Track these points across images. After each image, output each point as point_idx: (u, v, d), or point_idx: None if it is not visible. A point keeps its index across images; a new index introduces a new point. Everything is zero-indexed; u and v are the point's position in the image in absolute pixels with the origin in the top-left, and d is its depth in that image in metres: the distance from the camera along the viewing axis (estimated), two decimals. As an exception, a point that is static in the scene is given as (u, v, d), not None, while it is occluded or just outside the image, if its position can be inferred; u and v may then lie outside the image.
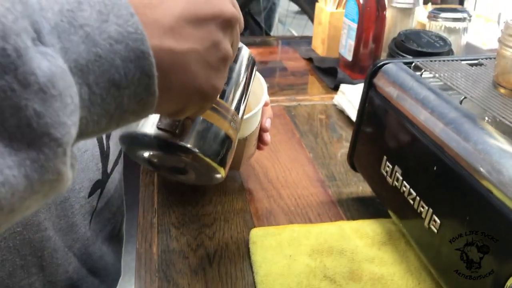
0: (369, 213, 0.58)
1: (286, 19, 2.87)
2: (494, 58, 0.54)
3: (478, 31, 1.01)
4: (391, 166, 0.49)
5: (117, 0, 0.24)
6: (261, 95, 0.56)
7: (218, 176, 0.39)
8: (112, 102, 0.24)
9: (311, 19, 1.46)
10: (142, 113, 0.26)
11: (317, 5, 1.09)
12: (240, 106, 0.40)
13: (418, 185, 0.45)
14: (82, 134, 0.24)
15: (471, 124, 0.40)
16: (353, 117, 0.79)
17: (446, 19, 0.87)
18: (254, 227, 0.55)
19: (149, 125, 0.35)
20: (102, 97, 0.23)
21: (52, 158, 0.20)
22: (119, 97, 0.24)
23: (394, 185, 0.48)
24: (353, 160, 0.59)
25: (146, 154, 0.38)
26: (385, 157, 0.50)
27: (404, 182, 0.46)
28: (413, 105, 0.47)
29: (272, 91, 0.93)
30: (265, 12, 2.31)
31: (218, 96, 0.37)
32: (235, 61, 0.41)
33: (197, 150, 0.35)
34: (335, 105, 0.86)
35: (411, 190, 0.45)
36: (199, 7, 0.28)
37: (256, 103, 0.55)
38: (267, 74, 1.02)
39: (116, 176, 0.60)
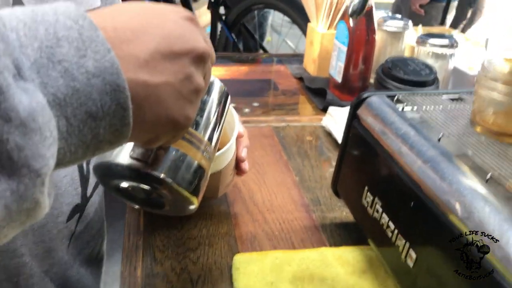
0: (351, 239, 0.59)
1: (281, 28, 2.90)
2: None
3: (466, 54, 1.03)
4: (371, 197, 0.50)
5: (94, 37, 0.25)
6: (233, 128, 0.57)
7: (192, 206, 0.40)
8: (88, 133, 0.25)
9: (304, 33, 1.48)
10: (116, 143, 0.28)
11: (309, 25, 1.11)
12: (213, 136, 0.41)
13: (396, 219, 0.46)
14: (60, 163, 0.25)
15: (448, 164, 0.42)
16: (340, 140, 0.81)
17: (434, 45, 0.89)
18: (238, 252, 0.56)
19: (122, 154, 0.36)
20: (79, 128, 0.25)
21: (31, 188, 0.22)
22: (95, 128, 0.25)
23: (374, 216, 0.50)
24: (337, 187, 0.60)
25: (119, 184, 0.39)
26: (366, 188, 0.51)
27: (384, 214, 0.48)
28: (393, 140, 0.48)
29: (263, 110, 0.95)
30: (256, 19, 2.33)
31: (193, 127, 0.39)
32: (208, 93, 0.42)
33: (169, 180, 0.36)
34: (323, 127, 0.88)
35: (390, 223, 0.46)
36: (173, 42, 0.30)
37: (229, 136, 0.57)
38: (259, 93, 1.03)
39: (96, 199, 0.60)
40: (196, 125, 0.39)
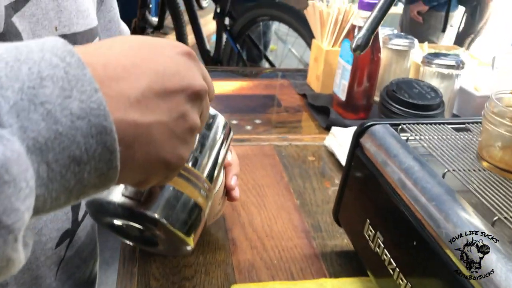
0: (352, 269, 0.58)
1: (287, 37, 2.89)
2: (480, 123, 0.54)
3: (472, 73, 1.01)
4: (373, 231, 0.49)
5: (81, 76, 0.24)
6: None
7: (187, 247, 0.38)
8: (72, 178, 0.24)
9: (309, 46, 1.46)
10: (103, 186, 0.26)
11: (314, 41, 1.10)
12: (213, 173, 0.40)
13: (398, 257, 0.44)
14: (39, 211, 0.24)
15: (453, 203, 0.40)
16: (343, 161, 0.79)
17: (440, 65, 0.87)
18: (235, 281, 0.55)
19: (115, 192, 0.34)
20: (61, 174, 0.23)
21: (1, 246, 0.20)
22: (79, 172, 0.24)
23: (375, 250, 0.48)
24: (338, 215, 0.59)
25: (112, 222, 0.37)
26: (368, 221, 0.50)
27: (386, 250, 0.46)
28: (397, 173, 0.46)
29: (265, 128, 0.93)
30: (260, 28, 2.32)
31: (190, 164, 0.37)
32: (210, 128, 0.41)
33: (163, 220, 0.34)
34: (326, 147, 0.86)
35: (392, 260, 0.45)
36: (167, 79, 0.29)
37: None
38: (262, 109, 1.02)
39: (88, 222, 0.59)
40: (195, 161, 0.38)
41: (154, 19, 2.90)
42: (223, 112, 0.97)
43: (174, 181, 0.35)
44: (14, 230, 0.21)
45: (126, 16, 2.59)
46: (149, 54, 0.29)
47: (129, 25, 2.83)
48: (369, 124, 0.53)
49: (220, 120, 0.42)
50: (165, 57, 0.30)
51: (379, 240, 0.47)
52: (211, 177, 0.39)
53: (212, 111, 0.42)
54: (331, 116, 0.95)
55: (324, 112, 0.99)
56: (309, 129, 0.95)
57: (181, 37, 2.55)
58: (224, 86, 1.12)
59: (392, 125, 0.53)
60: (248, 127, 0.93)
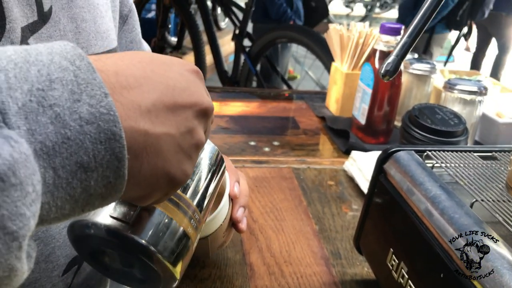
0: (373, 300, 0.56)
1: (304, 60, 2.91)
2: (508, 152, 0.53)
3: (495, 99, 1.00)
4: (397, 261, 0.47)
5: (91, 80, 0.23)
6: (223, 191, 0.52)
7: (172, 281, 0.35)
8: (78, 185, 0.23)
9: (328, 69, 1.46)
10: (109, 197, 0.25)
11: (333, 64, 1.10)
12: (203, 203, 0.38)
13: (424, 289, 0.43)
14: (43, 221, 0.23)
15: (482, 235, 0.39)
16: (363, 186, 0.78)
17: (462, 91, 0.86)
18: (253, 308, 0.53)
19: (102, 213, 0.33)
20: (68, 180, 0.22)
21: (4, 254, 0.19)
22: (85, 180, 0.23)
23: (399, 281, 0.46)
24: (359, 243, 0.57)
25: (93, 249, 0.35)
26: (391, 250, 0.48)
27: (410, 282, 0.44)
28: (423, 202, 0.45)
29: (282, 150, 0.93)
30: (279, 51, 2.33)
31: (181, 191, 0.36)
32: (204, 158, 0.40)
33: (151, 248, 0.32)
34: (345, 171, 0.85)
35: (417, 293, 0.43)
36: (177, 93, 0.29)
37: (218, 201, 0.52)
38: (280, 131, 1.02)
39: None
40: (185, 188, 0.36)
41: (173, 39, 2.95)
42: (240, 133, 0.98)
43: (164, 206, 0.34)
44: (18, 237, 0.20)
45: (145, 35, 2.62)
46: (159, 68, 0.29)
47: (148, 43, 2.87)
48: (393, 150, 0.52)
49: (212, 148, 0.41)
50: (175, 73, 0.30)
51: (403, 271, 0.46)
52: (201, 207, 0.38)
53: (212, 146, 0.41)
54: (351, 140, 0.94)
55: (343, 135, 0.98)
56: (328, 153, 0.94)
57: (200, 57, 2.58)
58: (242, 107, 1.12)
59: (416, 151, 0.52)
60: (266, 149, 0.92)
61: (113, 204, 0.33)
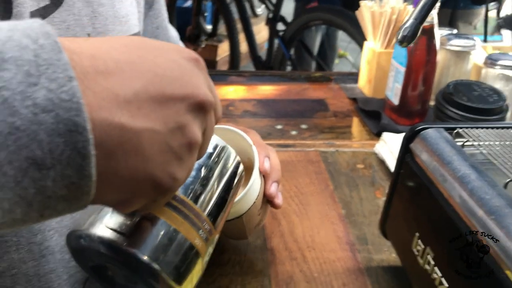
0: (399, 287, 0.53)
1: (339, 42, 2.83)
2: (552, 128, 0.48)
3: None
4: (423, 246, 0.44)
5: (54, 61, 0.20)
6: (252, 167, 0.50)
7: None
8: (30, 186, 0.20)
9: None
10: (74, 201, 0.22)
11: (365, 44, 1.05)
12: (216, 214, 0.34)
13: (450, 276, 0.39)
14: None
15: (515, 218, 0.35)
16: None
17: (505, 66, 0.80)
18: (272, 294, 0.51)
19: (98, 222, 0.29)
20: (17, 179, 0.19)
21: None
22: (40, 180, 0.20)
23: (425, 268, 0.43)
24: (385, 227, 0.54)
25: (93, 260, 0.31)
26: (417, 234, 0.45)
27: (436, 268, 0.41)
28: (450, 183, 0.41)
29: (310, 133, 0.90)
30: (320, 43, 2.27)
31: (189, 198, 0.32)
32: (217, 161, 0.36)
33: (152, 263, 0.28)
34: (376, 154, 0.81)
35: (443, 280, 0.40)
36: (167, 83, 0.25)
37: (247, 178, 0.49)
38: (309, 114, 0.98)
39: None
40: (195, 196, 0.32)
41: (209, 27, 2.94)
42: (267, 116, 0.95)
43: (167, 216, 0.30)
44: None
45: (182, 24, 2.63)
46: (149, 54, 0.26)
47: (184, 32, 2.88)
48: (420, 127, 0.48)
49: (231, 153, 0.38)
50: (167, 60, 0.26)
51: (429, 257, 0.43)
52: (214, 217, 0.34)
53: (221, 142, 0.37)
54: (383, 121, 0.90)
55: (375, 117, 0.94)
56: (359, 135, 0.90)
57: (234, 45, 2.56)
58: (271, 90, 1.10)
59: (446, 129, 0.48)
60: (293, 132, 0.90)
61: (109, 213, 0.30)
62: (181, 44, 0.74)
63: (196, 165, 0.31)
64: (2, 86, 0.19)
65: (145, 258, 0.28)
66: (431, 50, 0.86)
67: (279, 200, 0.52)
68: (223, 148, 0.37)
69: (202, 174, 0.34)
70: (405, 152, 0.49)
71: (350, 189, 0.71)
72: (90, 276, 0.34)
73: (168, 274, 0.29)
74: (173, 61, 0.26)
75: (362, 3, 1.02)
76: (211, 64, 3.07)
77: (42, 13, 0.41)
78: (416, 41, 0.85)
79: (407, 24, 0.32)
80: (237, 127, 0.53)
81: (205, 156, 0.34)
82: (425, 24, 0.85)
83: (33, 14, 0.40)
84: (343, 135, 0.90)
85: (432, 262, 0.42)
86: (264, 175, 0.51)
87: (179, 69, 0.26)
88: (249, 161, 0.51)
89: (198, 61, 0.28)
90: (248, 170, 0.49)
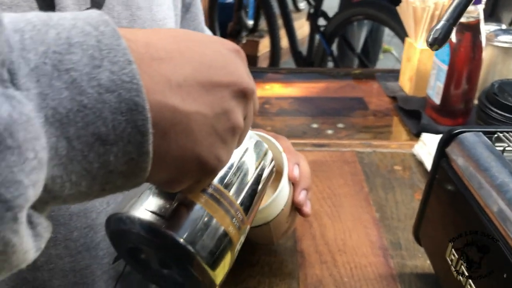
0: (434, 296, 0.51)
1: (384, 36, 2.76)
2: None
3: None
4: (456, 256, 0.42)
5: (115, 46, 0.22)
6: (281, 175, 0.49)
7: (211, 283, 0.32)
8: (95, 160, 0.21)
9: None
10: (132, 177, 0.23)
11: (407, 40, 1.01)
12: (247, 202, 0.35)
13: (485, 290, 0.37)
14: (56, 197, 0.21)
15: (556, 231, 0.33)
16: (433, 172, 0.71)
17: (556, 64, 0.75)
18: (300, 298, 0.51)
19: (137, 206, 0.30)
20: (83, 153, 0.21)
21: None
22: (104, 154, 0.21)
23: (458, 279, 0.41)
24: (419, 233, 0.52)
25: (130, 245, 0.33)
26: (451, 244, 0.43)
27: (470, 281, 0.39)
28: (487, 190, 0.39)
29: (347, 133, 0.88)
30: (364, 39, 2.22)
31: (223, 185, 0.33)
32: (251, 154, 0.37)
33: (186, 245, 0.29)
34: (415, 156, 0.79)
35: (477, 293, 0.38)
36: (213, 71, 0.27)
37: (276, 185, 0.49)
38: (346, 112, 0.96)
39: None
40: (229, 184, 0.34)
41: (251, 22, 2.94)
42: (303, 115, 0.94)
43: (204, 202, 0.31)
44: (13, 207, 0.18)
45: (225, 20, 2.64)
46: (195, 45, 0.28)
47: (225, 28, 2.90)
48: (457, 131, 0.46)
49: (264, 148, 0.39)
50: (212, 50, 0.28)
51: (463, 268, 0.41)
52: (246, 207, 0.35)
53: (255, 136, 0.39)
54: (423, 121, 0.86)
55: (415, 116, 0.90)
56: (397, 135, 0.88)
57: (274, 40, 2.55)
58: (308, 88, 1.08)
59: (485, 133, 0.46)
60: (329, 131, 0.88)
61: (149, 198, 0.31)
62: None
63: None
64: (71, 67, 0.20)
65: (182, 240, 0.29)
66: (476, 46, 0.82)
67: (307, 208, 0.52)
68: (257, 142, 0.38)
69: (237, 165, 0.35)
70: (441, 156, 0.47)
71: (386, 192, 0.70)
72: (124, 261, 0.35)
73: (203, 258, 0.30)
74: (217, 51, 0.28)
75: (403, -2, 0.98)
76: (252, 59, 3.07)
77: None
78: (460, 38, 0.81)
79: (438, 26, 0.31)
80: (268, 133, 0.52)
81: (240, 147, 0.35)
82: (471, 19, 0.81)
83: None
84: (381, 135, 0.88)
85: (466, 274, 0.40)
86: (293, 183, 0.51)
87: (223, 58, 0.28)
88: (278, 168, 0.51)
89: (240, 52, 0.30)
90: (277, 177, 0.49)
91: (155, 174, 0.25)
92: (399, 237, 0.60)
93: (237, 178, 0.35)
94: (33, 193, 0.19)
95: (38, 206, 0.21)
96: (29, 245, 0.20)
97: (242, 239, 0.35)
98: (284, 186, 0.48)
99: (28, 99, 0.19)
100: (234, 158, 0.36)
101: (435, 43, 0.31)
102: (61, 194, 0.21)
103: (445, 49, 0.84)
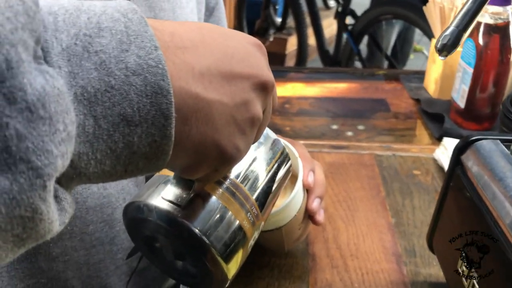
0: (447, 307, 0.50)
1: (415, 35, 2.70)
2: None
3: None
4: (468, 268, 0.41)
5: (142, 32, 0.23)
6: (295, 180, 0.49)
7: (223, 279, 0.32)
8: (120, 139, 0.22)
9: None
10: (154, 160, 0.24)
11: (433, 41, 0.99)
12: (262, 198, 0.35)
13: (494, 304, 0.36)
14: (81, 174, 0.22)
15: None
16: (453, 178, 0.69)
17: None
18: (308, 302, 0.50)
19: (155, 194, 0.31)
20: (109, 132, 0.22)
21: (26, 190, 0.18)
22: (128, 135, 0.22)
23: (469, 291, 0.40)
24: (432, 241, 0.51)
25: (146, 234, 0.34)
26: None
27: (480, 294, 0.38)
28: (500, 201, 0.38)
29: (367, 135, 0.86)
30: (396, 37, 2.17)
31: (240, 180, 0.34)
32: (268, 151, 0.37)
33: (201, 235, 0.30)
34: (436, 160, 0.77)
35: (487, 307, 0.37)
36: (235, 62, 0.27)
37: (290, 190, 0.49)
38: (368, 114, 0.95)
39: None
40: (245, 179, 0.34)
41: (279, 20, 2.93)
42: (324, 115, 0.93)
43: (219, 194, 0.32)
44: (43, 174, 0.19)
45: (252, 17, 2.63)
46: (219, 36, 0.28)
47: (253, 26, 2.89)
48: (474, 138, 0.45)
49: (281, 146, 0.39)
50: (235, 42, 0.29)
51: (474, 281, 0.39)
52: (261, 203, 0.35)
53: (272, 134, 0.39)
54: (445, 125, 0.84)
55: (439, 120, 0.88)
56: (419, 139, 0.86)
57: (302, 38, 2.53)
58: (330, 88, 1.07)
59: (504, 141, 0.44)
60: (349, 133, 0.87)
61: (166, 187, 0.32)
62: None
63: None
64: (100, 49, 0.21)
65: (197, 230, 0.30)
66: (504, 49, 0.79)
67: (320, 217, 0.52)
68: (275, 141, 0.39)
69: (253, 160, 0.36)
70: (456, 163, 0.46)
71: (403, 197, 0.68)
72: (140, 252, 0.36)
73: (217, 250, 0.31)
74: (240, 44, 0.29)
75: (430, -1, 0.96)
76: (279, 57, 3.05)
77: None
78: (487, 40, 0.79)
79: (447, 32, 0.30)
80: (284, 138, 0.52)
81: (257, 143, 0.35)
82: (499, 21, 0.79)
83: None
84: (402, 138, 0.86)
85: (477, 287, 0.39)
86: (308, 189, 0.50)
87: (245, 51, 0.29)
88: (294, 173, 0.51)
89: (261, 46, 0.31)
90: (292, 182, 0.49)
91: (176, 159, 0.26)
92: (414, 244, 0.59)
93: (253, 173, 0.35)
94: (62, 163, 0.20)
95: (64, 182, 0.22)
96: (55, 216, 0.21)
97: (256, 235, 0.35)
98: (299, 191, 0.48)
99: (60, 76, 0.20)
100: (251, 154, 0.36)
101: (444, 50, 0.31)
102: (86, 172, 0.22)
103: (471, 52, 0.82)
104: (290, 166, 0.41)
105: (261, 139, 0.37)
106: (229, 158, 0.28)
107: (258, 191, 0.35)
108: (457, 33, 0.30)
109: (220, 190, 0.32)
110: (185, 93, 0.24)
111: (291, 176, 0.51)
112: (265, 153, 0.37)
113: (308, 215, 0.51)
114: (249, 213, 0.33)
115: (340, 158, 0.78)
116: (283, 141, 0.51)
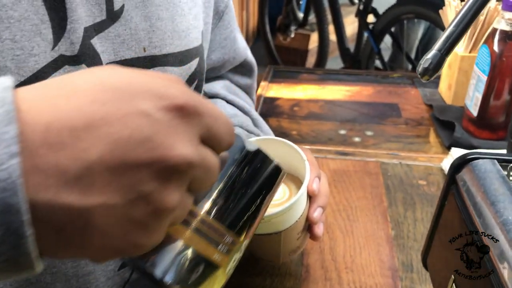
0: (440, 326, 0.48)
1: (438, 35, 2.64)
2: None
3: None
4: (456, 292, 0.39)
5: (1, 133, 0.20)
6: (301, 182, 0.47)
7: None
8: None
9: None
10: (17, 273, 0.22)
11: (449, 45, 0.96)
12: (243, 223, 0.33)
13: (478, 334, 0.35)
14: None
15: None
16: (459, 190, 0.67)
17: None
18: (297, 315, 0.50)
19: None
20: None
21: None
22: None
23: (456, 316, 0.39)
24: (427, 258, 0.50)
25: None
26: (453, 277, 0.41)
27: (465, 321, 0.37)
28: (491, 227, 0.37)
29: (374, 141, 0.85)
30: (421, 37, 2.13)
31: (207, 213, 0.31)
32: (245, 168, 0.33)
33: (163, 278, 0.29)
34: (442, 170, 0.75)
35: (471, 336, 0.36)
36: (131, 148, 0.22)
37: (294, 193, 0.48)
38: (377, 119, 0.93)
39: None
40: (215, 209, 0.31)
41: (301, 15, 2.90)
42: (332, 120, 0.92)
43: (183, 235, 0.30)
44: None
45: (275, 13, 2.61)
46: (118, 108, 0.23)
47: (275, 22, 2.87)
48: (471, 156, 0.43)
49: (263, 157, 0.34)
50: (139, 114, 0.23)
51: (461, 305, 0.38)
52: (240, 227, 0.33)
53: (251, 146, 0.34)
54: (456, 133, 0.82)
55: (451, 128, 0.86)
56: (429, 147, 0.84)
57: (323, 35, 2.51)
58: (342, 91, 1.05)
59: (502, 161, 0.42)
60: (356, 139, 0.86)
61: None
62: (248, 54, 0.71)
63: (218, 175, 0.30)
64: None
65: (159, 276, 0.29)
66: (520, 57, 0.76)
67: (319, 230, 0.49)
68: (254, 153, 0.34)
69: (223, 185, 0.32)
70: (451, 182, 0.44)
71: (406, 208, 0.67)
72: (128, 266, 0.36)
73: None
74: (146, 115, 0.23)
75: (446, 2, 0.93)
76: (302, 53, 3.03)
77: (97, 28, 0.42)
78: (502, 48, 0.76)
79: (429, 55, 0.28)
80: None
81: (227, 164, 0.32)
82: (516, 28, 0.76)
83: (87, 30, 0.41)
84: (411, 145, 0.84)
85: (463, 312, 0.38)
86: (311, 196, 0.49)
87: (151, 126, 0.23)
88: (298, 179, 0.50)
89: (182, 109, 0.24)
90: (297, 186, 0.48)
91: (74, 256, 0.24)
92: (411, 258, 0.58)
93: (226, 198, 0.32)
94: None
95: None
96: None
97: (237, 255, 0.34)
98: (303, 195, 0.46)
99: None
100: (222, 176, 0.32)
101: (426, 74, 0.29)
102: None
103: (486, 59, 0.79)
104: (280, 174, 0.36)
105: (235, 155, 0.33)
106: (132, 253, 0.25)
107: (233, 216, 0.32)
108: (439, 57, 0.28)
109: (184, 229, 0.30)
110: (52, 206, 0.21)
111: (296, 180, 0.50)
112: (239, 170, 0.33)
113: (308, 227, 0.50)
114: (220, 245, 0.31)
115: (345, 165, 0.77)
116: (290, 143, 0.49)
